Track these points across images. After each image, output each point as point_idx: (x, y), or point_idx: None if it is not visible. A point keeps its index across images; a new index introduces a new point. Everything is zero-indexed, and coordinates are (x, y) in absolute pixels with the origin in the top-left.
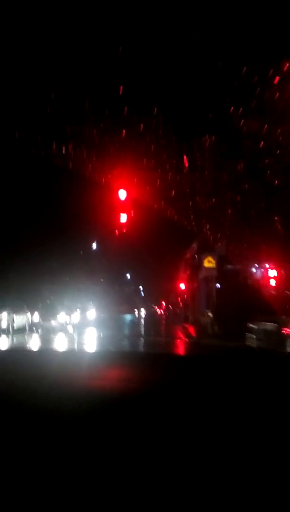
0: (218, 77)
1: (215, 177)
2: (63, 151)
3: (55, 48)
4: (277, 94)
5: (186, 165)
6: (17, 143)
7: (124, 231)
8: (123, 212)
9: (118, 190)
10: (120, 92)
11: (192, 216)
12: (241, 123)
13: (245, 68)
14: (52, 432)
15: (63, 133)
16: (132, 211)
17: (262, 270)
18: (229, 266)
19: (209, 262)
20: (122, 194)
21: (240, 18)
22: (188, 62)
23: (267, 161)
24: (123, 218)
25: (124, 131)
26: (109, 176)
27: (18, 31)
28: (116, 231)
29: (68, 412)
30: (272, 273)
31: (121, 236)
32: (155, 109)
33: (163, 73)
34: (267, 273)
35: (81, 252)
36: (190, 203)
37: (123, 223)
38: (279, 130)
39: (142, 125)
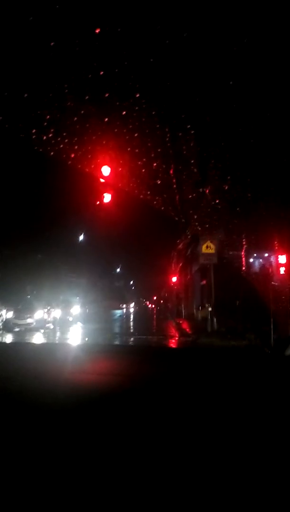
0: (205, 61)
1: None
2: (44, 138)
3: (32, 30)
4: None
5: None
6: None
7: (109, 210)
8: (108, 190)
9: (101, 167)
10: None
11: (179, 207)
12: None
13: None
14: (31, 426)
15: (42, 119)
16: (116, 190)
17: (265, 258)
18: (230, 253)
19: (208, 248)
20: (106, 170)
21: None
22: (172, 43)
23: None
24: (107, 198)
25: (106, 116)
26: (93, 165)
27: None
28: (101, 212)
29: (43, 405)
30: (283, 259)
31: (109, 228)
32: (137, 94)
33: (146, 58)
34: (277, 260)
35: (80, 238)
36: (177, 194)
37: (107, 203)
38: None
39: (124, 111)
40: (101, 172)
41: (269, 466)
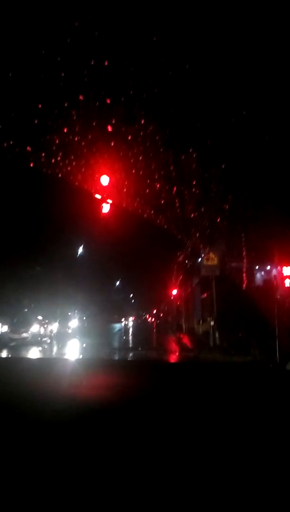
0: (207, 86)
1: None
2: (42, 154)
3: (27, 38)
4: None
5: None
6: None
7: (108, 221)
8: (107, 199)
9: (100, 176)
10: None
11: (182, 224)
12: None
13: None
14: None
15: (40, 135)
16: (115, 203)
17: (267, 271)
18: (233, 264)
19: (210, 259)
20: (105, 180)
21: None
22: (176, 70)
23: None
24: (106, 208)
25: (107, 127)
26: (92, 178)
27: None
28: (100, 224)
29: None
30: (287, 271)
31: (108, 241)
32: (142, 121)
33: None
34: (281, 272)
35: (79, 252)
36: (178, 211)
37: (106, 214)
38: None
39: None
40: (100, 182)
41: (272, 481)
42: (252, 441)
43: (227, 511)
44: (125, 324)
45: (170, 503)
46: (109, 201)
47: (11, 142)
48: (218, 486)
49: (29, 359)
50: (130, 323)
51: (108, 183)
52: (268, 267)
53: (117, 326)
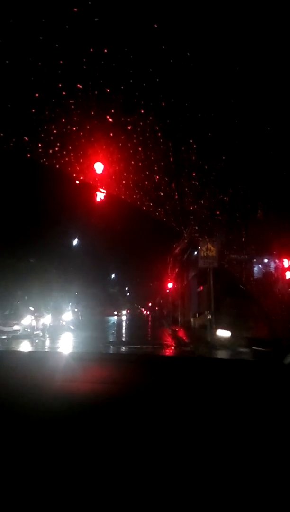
0: (207, 75)
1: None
2: (39, 144)
3: (24, 25)
4: None
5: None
6: None
7: (102, 211)
8: (101, 187)
9: (94, 164)
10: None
11: (180, 218)
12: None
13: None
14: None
15: (34, 124)
16: (110, 193)
17: (265, 264)
18: (232, 256)
19: (208, 251)
20: (99, 167)
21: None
22: (176, 57)
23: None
24: (99, 196)
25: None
26: (86, 167)
27: None
28: (94, 214)
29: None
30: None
31: (103, 233)
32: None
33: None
34: (282, 265)
35: (74, 243)
36: (177, 203)
37: (99, 202)
38: None
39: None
40: (93, 169)
41: (273, 478)
42: (251, 433)
43: (228, 505)
44: (120, 317)
45: (170, 498)
46: (103, 190)
47: (7, 132)
48: (218, 480)
49: (21, 352)
50: (125, 316)
51: (104, 173)
52: (267, 260)
53: (112, 319)
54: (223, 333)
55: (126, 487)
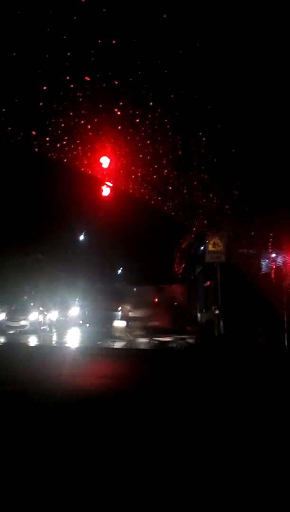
0: (218, 69)
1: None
2: (47, 138)
3: (32, 17)
4: None
5: None
6: None
7: (109, 205)
8: (108, 181)
9: (100, 158)
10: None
11: (189, 212)
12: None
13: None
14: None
15: (42, 117)
16: (116, 188)
17: (272, 258)
18: (239, 251)
19: (215, 245)
20: (105, 161)
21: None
22: (186, 49)
23: None
24: (106, 191)
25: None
26: (94, 162)
27: None
28: (101, 208)
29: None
30: None
31: (110, 228)
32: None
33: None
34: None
35: (80, 238)
36: (185, 197)
37: (106, 197)
38: None
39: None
40: (100, 164)
41: (276, 474)
42: (257, 428)
43: (228, 502)
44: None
45: (170, 494)
46: (109, 184)
47: (15, 126)
48: (220, 477)
49: (29, 347)
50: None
51: (112, 167)
52: (274, 255)
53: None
54: (119, 324)
55: (130, 473)
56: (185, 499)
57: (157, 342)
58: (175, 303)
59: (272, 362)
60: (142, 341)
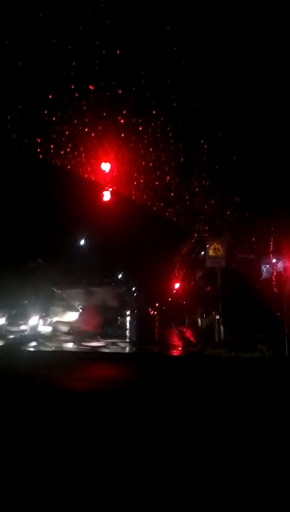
0: (219, 76)
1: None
2: (51, 146)
3: (38, 27)
4: None
5: None
6: None
7: (109, 211)
8: (109, 187)
9: (101, 164)
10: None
11: (190, 217)
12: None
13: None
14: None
15: (46, 124)
16: (117, 194)
17: (273, 264)
18: (240, 256)
19: (215, 251)
20: (106, 166)
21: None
22: (188, 57)
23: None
24: (106, 196)
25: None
26: (95, 167)
27: None
28: (102, 214)
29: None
30: None
31: (110, 233)
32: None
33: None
34: None
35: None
36: (187, 203)
37: (107, 202)
38: None
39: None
40: (102, 171)
41: (277, 480)
42: (257, 433)
43: (228, 502)
44: (126, 317)
45: (171, 495)
46: (109, 189)
47: (20, 133)
48: (220, 477)
49: (29, 351)
50: (134, 316)
51: (114, 173)
52: (275, 260)
53: (120, 318)
54: (44, 329)
55: (131, 475)
56: (184, 498)
57: (85, 347)
58: (108, 306)
59: (272, 368)
60: (68, 347)
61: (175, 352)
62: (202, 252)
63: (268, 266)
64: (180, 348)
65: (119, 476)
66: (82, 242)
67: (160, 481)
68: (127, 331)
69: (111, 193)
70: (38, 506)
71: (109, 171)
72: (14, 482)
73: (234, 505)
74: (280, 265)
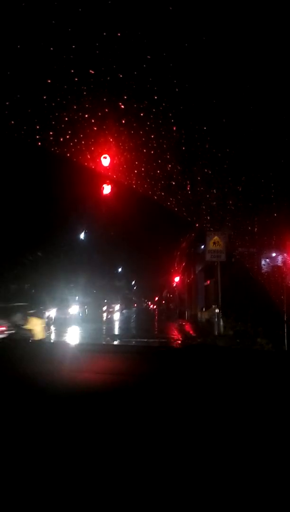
0: (223, 64)
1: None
2: (50, 133)
3: (36, 9)
4: None
5: None
6: None
7: (109, 204)
8: (108, 180)
9: (100, 156)
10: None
11: (192, 208)
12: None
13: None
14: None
15: (45, 111)
16: (118, 185)
17: (273, 258)
18: (239, 249)
19: (215, 244)
20: (105, 160)
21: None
22: (193, 43)
23: None
24: (107, 189)
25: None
26: (96, 159)
27: None
28: (102, 207)
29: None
30: None
31: (110, 226)
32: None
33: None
34: None
35: (80, 237)
36: (188, 194)
37: (106, 195)
38: None
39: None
40: (100, 162)
41: (277, 475)
42: (257, 428)
43: (229, 498)
44: (126, 311)
45: (170, 493)
46: (109, 183)
47: (18, 120)
48: (220, 477)
49: (29, 343)
50: (133, 310)
51: (112, 164)
52: (275, 254)
53: (119, 312)
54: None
55: (130, 471)
56: (183, 497)
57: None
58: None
59: (272, 361)
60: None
61: (175, 346)
62: (202, 246)
63: (268, 259)
64: (179, 342)
65: (122, 469)
66: (82, 235)
67: (164, 474)
68: (126, 325)
69: (112, 184)
70: (38, 499)
71: (110, 162)
72: (13, 476)
73: (235, 498)
74: (280, 258)
